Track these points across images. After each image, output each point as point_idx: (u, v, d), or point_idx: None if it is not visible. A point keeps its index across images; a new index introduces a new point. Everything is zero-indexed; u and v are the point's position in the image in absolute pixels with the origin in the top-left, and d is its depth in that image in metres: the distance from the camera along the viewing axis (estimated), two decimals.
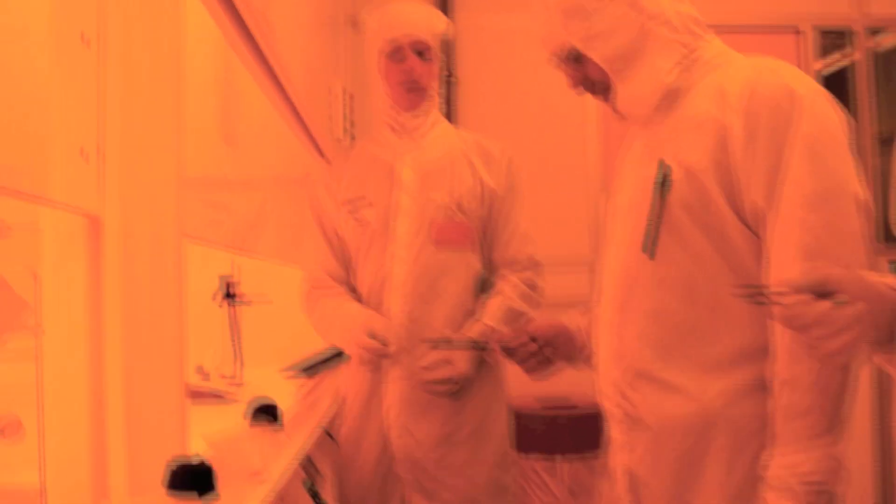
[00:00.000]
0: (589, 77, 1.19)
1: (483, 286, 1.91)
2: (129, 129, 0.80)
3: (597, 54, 1.15)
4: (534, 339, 1.46)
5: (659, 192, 1.12)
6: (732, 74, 1.10)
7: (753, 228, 1.07)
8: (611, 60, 1.15)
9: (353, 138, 2.82)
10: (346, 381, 1.98)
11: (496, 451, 1.93)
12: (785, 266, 1.02)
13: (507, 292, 1.90)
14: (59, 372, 0.75)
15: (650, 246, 1.14)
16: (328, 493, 1.97)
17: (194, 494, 0.74)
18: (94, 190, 0.75)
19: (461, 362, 1.85)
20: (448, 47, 3.33)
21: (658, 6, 1.14)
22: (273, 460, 1.20)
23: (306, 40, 2.33)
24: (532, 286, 1.92)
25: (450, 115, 3.34)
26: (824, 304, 0.91)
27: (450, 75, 3.34)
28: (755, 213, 1.05)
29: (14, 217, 0.87)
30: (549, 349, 1.47)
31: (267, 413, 1.41)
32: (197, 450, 0.88)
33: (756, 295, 0.98)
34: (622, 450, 1.23)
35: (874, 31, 3.43)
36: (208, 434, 1.02)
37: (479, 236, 1.92)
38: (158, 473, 0.75)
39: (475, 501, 1.90)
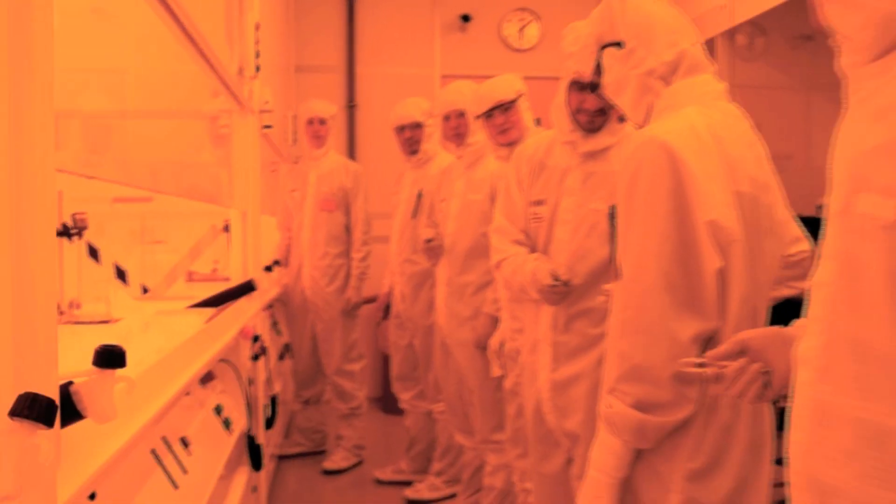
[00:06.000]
0: None
1: (346, 230, 4.45)
2: (248, 187, 3.31)
3: None
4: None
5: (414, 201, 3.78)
6: None
7: None
8: None
9: (295, 141, 5.26)
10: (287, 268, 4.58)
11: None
12: None
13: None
14: (237, 244, 3.27)
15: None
16: (283, 328, 4.43)
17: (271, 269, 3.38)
18: (246, 205, 3.28)
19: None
20: (351, 85, 5.64)
21: None
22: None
23: (280, 84, 4.40)
24: (365, 231, 4.36)
25: (351, 128, 5.50)
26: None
27: (351, 104, 5.60)
28: None
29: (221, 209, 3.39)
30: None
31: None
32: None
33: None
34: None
35: None
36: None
37: (343, 207, 4.28)
38: (260, 267, 3.34)
39: (338, 321, 4.33)
